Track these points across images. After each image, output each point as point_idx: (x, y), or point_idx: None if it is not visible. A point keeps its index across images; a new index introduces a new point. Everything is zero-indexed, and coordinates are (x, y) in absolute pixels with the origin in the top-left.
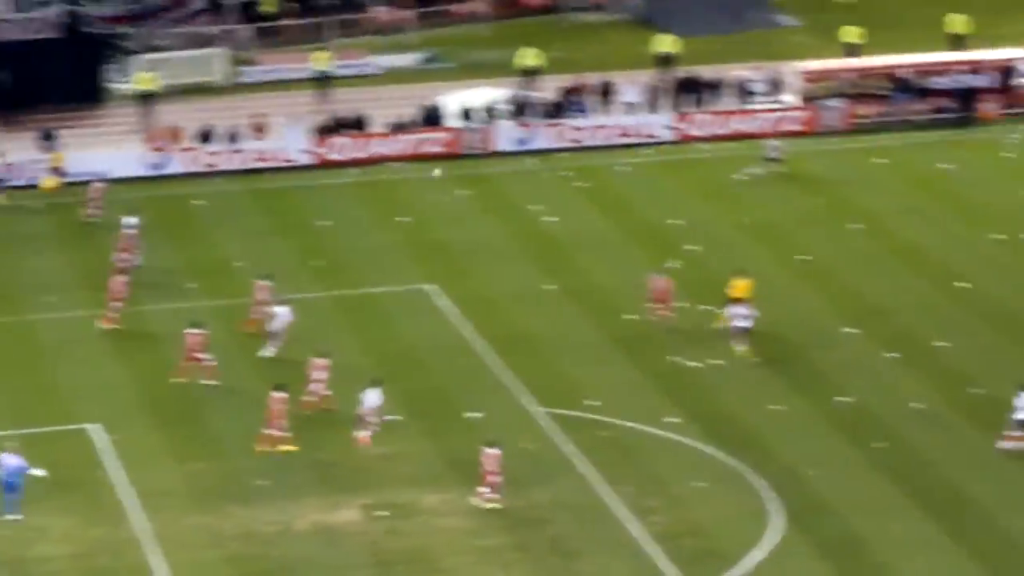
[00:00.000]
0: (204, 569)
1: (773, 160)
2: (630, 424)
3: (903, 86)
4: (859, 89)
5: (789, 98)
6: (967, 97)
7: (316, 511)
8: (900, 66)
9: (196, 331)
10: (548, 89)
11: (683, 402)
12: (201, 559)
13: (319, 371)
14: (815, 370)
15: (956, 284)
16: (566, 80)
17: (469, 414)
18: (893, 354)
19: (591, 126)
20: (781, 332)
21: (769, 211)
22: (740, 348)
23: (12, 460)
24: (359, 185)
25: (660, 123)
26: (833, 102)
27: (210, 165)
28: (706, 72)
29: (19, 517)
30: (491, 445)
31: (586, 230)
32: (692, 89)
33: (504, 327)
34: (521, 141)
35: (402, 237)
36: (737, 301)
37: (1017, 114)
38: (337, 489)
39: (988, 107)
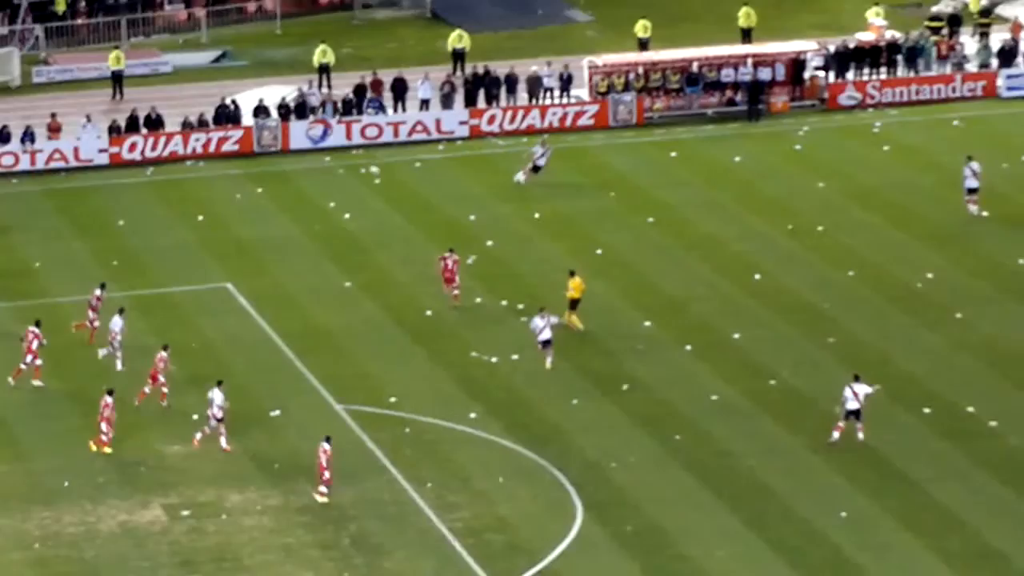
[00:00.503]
0: (9, 571)
1: (537, 169)
2: (432, 420)
3: (693, 79)
4: (650, 83)
5: (581, 93)
6: (757, 90)
7: (120, 511)
8: (690, 59)
9: (36, 330)
10: (342, 86)
11: (484, 397)
12: (5, 561)
13: (161, 362)
14: (614, 363)
15: (752, 276)
16: (360, 77)
17: (272, 412)
18: (690, 346)
19: (385, 123)
20: (589, 328)
21: (564, 206)
22: (549, 360)
23: None
24: (155, 184)
25: (454, 119)
26: (624, 96)
27: (6, 166)
28: (499, 67)
29: None
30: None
31: (383, 227)
32: (485, 85)
33: (303, 324)
34: (315, 138)
35: (199, 235)
36: (576, 302)
37: (806, 107)
38: (141, 489)
39: (778, 100)
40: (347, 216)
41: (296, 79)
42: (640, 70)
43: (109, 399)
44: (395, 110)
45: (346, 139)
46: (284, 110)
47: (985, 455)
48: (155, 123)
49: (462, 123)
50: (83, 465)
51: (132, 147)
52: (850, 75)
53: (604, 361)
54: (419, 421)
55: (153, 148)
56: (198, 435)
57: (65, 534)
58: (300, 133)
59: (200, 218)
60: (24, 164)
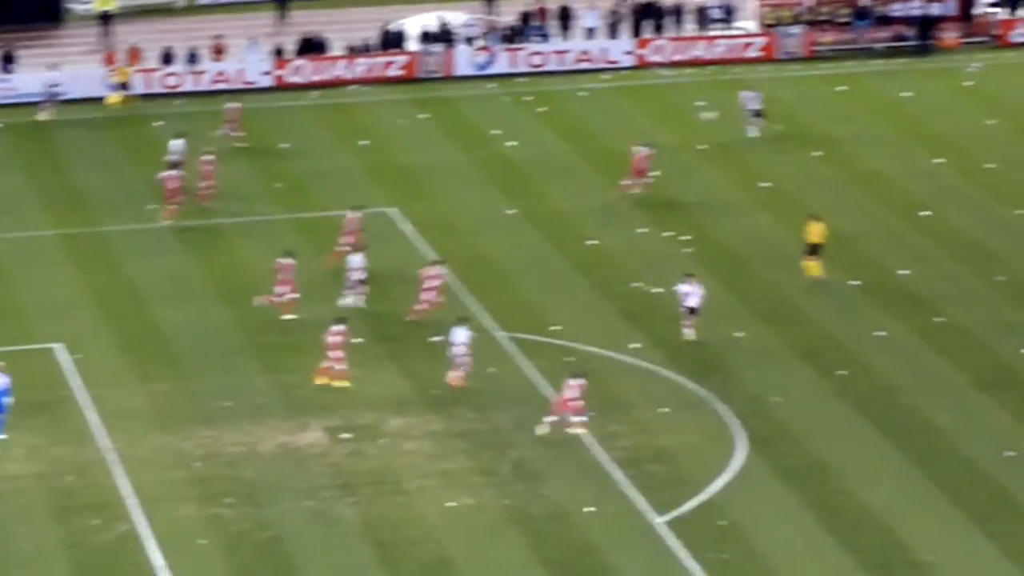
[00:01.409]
0: (169, 489)
1: (756, 113)
2: (593, 349)
3: (863, 13)
4: (818, 16)
5: (749, 25)
6: (927, 25)
7: (281, 433)
8: None
9: (287, 260)
10: (508, 13)
11: (646, 328)
12: (166, 479)
13: (431, 279)
14: (779, 296)
15: (919, 213)
16: (526, 4)
17: (433, 338)
18: (856, 281)
19: (551, 51)
20: (740, 257)
21: (729, 138)
22: (687, 332)
23: (1, 379)
24: (319, 108)
25: (620, 48)
26: (793, 29)
27: (170, 86)
28: None
29: (4, 437)
30: (576, 376)
31: (546, 155)
32: (652, 15)
33: (466, 251)
34: (481, 65)
35: (362, 160)
36: (816, 247)
37: (977, 43)
38: (301, 411)
39: (948, 35)
40: (510, 144)
41: (463, 5)
42: (809, 3)
43: (340, 327)
44: (561, 38)
45: (511, 66)
46: (448, 36)
47: None
48: (319, 47)
49: (627, 53)
50: (244, 386)
51: (296, 71)
52: (1022, 12)
53: (768, 293)
54: (580, 350)
55: (317, 72)
56: (457, 373)
57: (225, 454)
58: (465, 59)
59: (363, 143)
60: (188, 85)
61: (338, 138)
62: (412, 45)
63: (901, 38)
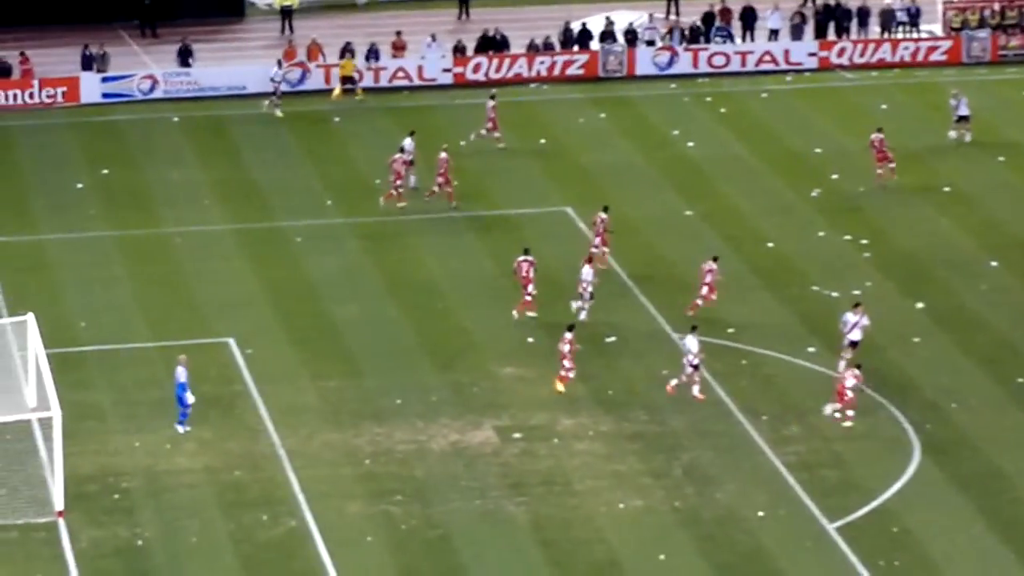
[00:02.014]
0: (339, 485)
1: (964, 119)
2: (769, 353)
3: None
4: (1005, 20)
5: (934, 28)
6: None
7: (451, 431)
8: None
9: (527, 259)
10: (691, 14)
11: (823, 332)
12: (335, 475)
13: (708, 274)
14: (958, 303)
15: None
16: (709, 5)
17: (607, 338)
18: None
19: (733, 52)
20: (920, 262)
21: (912, 141)
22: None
23: (184, 373)
24: (500, 106)
25: (803, 50)
26: (979, 32)
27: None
28: (851, 0)
29: (186, 429)
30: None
31: (726, 156)
32: (836, 17)
33: (643, 251)
34: (662, 65)
35: (541, 159)
36: None
37: None
38: (472, 410)
39: None
40: (690, 144)
41: (645, 5)
42: (996, 6)
43: (569, 335)
44: (743, 39)
45: (692, 67)
46: (631, 35)
47: None
48: (500, 44)
49: (811, 55)
50: (416, 384)
51: (476, 68)
52: None
53: (946, 300)
54: (756, 353)
55: (497, 70)
56: (673, 382)
57: (396, 451)
58: (646, 59)
59: (542, 141)
60: (368, 81)
61: (516, 136)
62: (593, 44)
63: None
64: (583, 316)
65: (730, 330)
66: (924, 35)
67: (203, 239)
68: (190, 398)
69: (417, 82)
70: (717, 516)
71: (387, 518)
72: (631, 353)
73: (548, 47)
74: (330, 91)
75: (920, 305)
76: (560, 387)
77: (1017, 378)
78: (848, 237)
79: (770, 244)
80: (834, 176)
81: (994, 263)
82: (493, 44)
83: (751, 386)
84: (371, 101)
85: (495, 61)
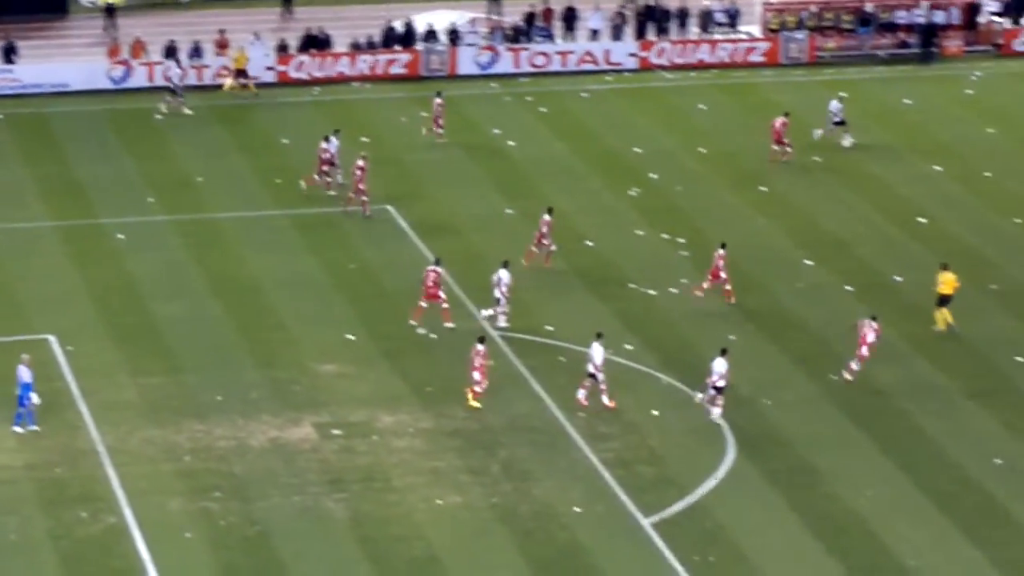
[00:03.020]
0: (158, 482)
1: (839, 124)
2: (587, 350)
3: (866, 20)
4: (822, 22)
5: (752, 29)
6: (930, 33)
7: (271, 428)
8: (864, 0)
9: (436, 268)
10: (513, 13)
11: (640, 330)
12: (155, 472)
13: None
14: (772, 300)
15: (916, 219)
16: (530, 5)
17: (428, 335)
18: (851, 287)
19: (554, 52)
20: (741, 262)
21: (729, 143)
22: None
23: (28, 373)
24: (320, 104)
25: (623, 50)
26: (796, 34)
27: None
28: (670, 1)
29: (28, 429)
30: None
31: (547, 155)
32: (656, 17)
33: (464, 249)
34: (484, 64)
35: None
36: (946, 298)
37: (980, 51)
38: (292, 407)
39: (951, 43)
40: (512, 143)
41: (467, 4)
42: (813, 8)
43: (481, 347)
44: (564, 39)
45: (514, 67)
46: (453, 35)
47: None
48: (323, 43)
49: (631, 55)
50: (236, 381)
51: (300, 66)
52: None
53: (762, 299)
54: (574, 350)
55: (320, 68)
56: (581, 393)
57: (216, 448)
58: (468, 58)
59: (364, 140)
60: (191, 79)
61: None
62: (416, 43)
63: (904, 45)
64: (502, 323)
65: (548, 327)
66: (743, 36)
67: (25, 236)
68: (35, 399)
69: (242, 80)
70: (534, 512)
71: (206, 514)
72: (450, 350)
73: (371, 46)
74: (157, 88)
75: (737, 304)
76: (474, 403)
77: (830, 375)
78: (666, 236)
79: (589, 242)
80: (653, 176)
81: (809, 262)
82: (316, 43)
83: (569, 383)
84: (196, 100)
85: (318, 60)
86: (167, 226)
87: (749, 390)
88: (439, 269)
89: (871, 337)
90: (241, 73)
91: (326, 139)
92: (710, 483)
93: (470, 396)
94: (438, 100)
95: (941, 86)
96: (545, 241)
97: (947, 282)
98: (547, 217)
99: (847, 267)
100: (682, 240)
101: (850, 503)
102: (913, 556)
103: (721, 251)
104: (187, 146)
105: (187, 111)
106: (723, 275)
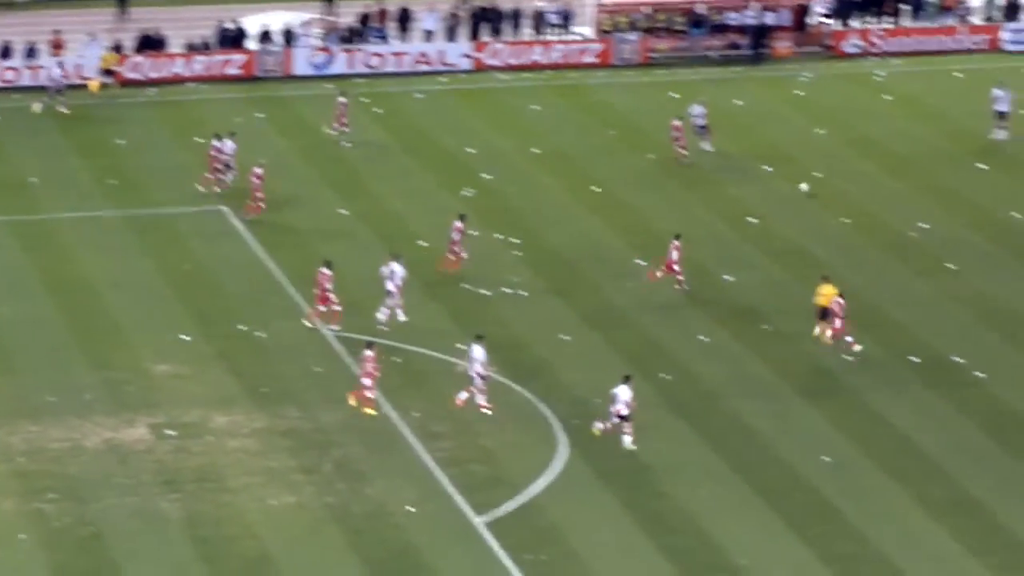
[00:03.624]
0: None
1: (703, 128)
2: (421, 350)
3: (698, 21)
4: (655, 23)
5: (585, 31)
6: (761, 34)
7: (105, 429)
8: (695, 1)
9: (327, 271)
10: (347, 14)
11: (474, 329)
12: None
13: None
14: (606, 300)
15: (747, 219)
16: (365, 6)
17: (260, 335)
18: (681, 288)
19: (389, 52)
20: (574, 261)
21: (563, 142)
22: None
23: None
24: (156, 105)
25: (457, 51)
26: (629, 36)
27: (7, 81)
28: (504, 1)
29: None
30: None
31: (381, 156)
32: (490, 19)
33: (299, 250)
34: (319, 65)
35: (198, 158)
36: (826, 310)
37: (809, 53)
38: (127, 408)
39: (781, 45)
40: (347, 144)
41: (302, 5)
42: (645, 10)
43: (370, 353)
44: (399, 40)
45: (349, 68)
46: (288, 36)
47: (971, 405)
48: (158, 44)
49: (465, 56)
50: (70, 382)
51: (135, 67)
52: (855, 23)
53: (595, 297)
54: (407, 350)
55: (155, 69)
56: (462, 395)
57: (50, 449)
58: (303, 59)
59: (199, 140)
60: (26, 79)
61: (175, 135)
62: (251, 44)
63: (735, 47)
64: (401, 317)
65: (382, 327)
66: (575, 37)
67: None
68: None
69: (76, 80)
70: (367, 511)
71: (40, 516)
72: (284, 351)
73: (206, 47)
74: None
75: (567, 304)
76: (369, 410)
77: (661, 374)
78: (499, 236)
79: (423, 242)
80: (486, 176)
81: (641, 261)
82: (152, 43)
83: (402, 383)
84: (30, 100)
85: (154, 60)
86: (0, 227)
87: (582, 390)
88: (327, 271)
89: (836, 308)
90: (109, 73)
91: (218, 138)
92: (542, 482)
93: (353, 399)
94: (341, 99)
95: (771, 87)
96: (456, 248)
97: (826, 294)
98: (459, 224)
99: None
100: (516, 240)
101: (682, 502)
102: (744, 554)
103: (676, 242)
104: (21, 147)
105: (64, 110)
106: (676, 267)
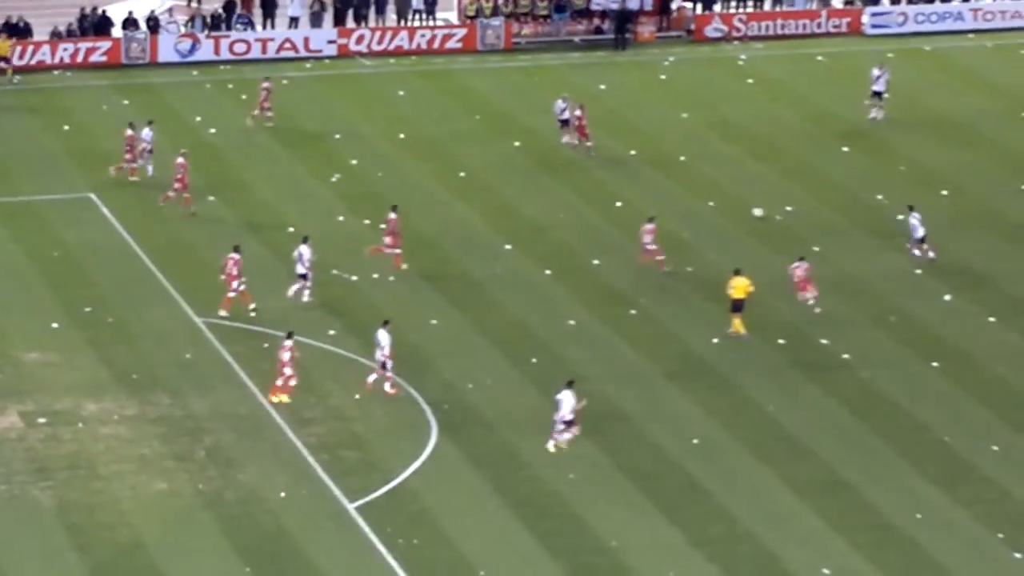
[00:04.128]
0: None
1: (565, 122)
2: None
3: (561, 6)
4: (518, 8)
5: (450, 16)
6: (624, 19)
7: None
8: None
9: (236, 256)
10: (213, 1)
11: (343, 315)
12: None
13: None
14: (475, 285)
15: (614, 204)
16: None
17: (131, 323)
18: (550, 271)
19: (254, 39)
20: (441, 246)
21: (428, 128)
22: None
23: None
24: (21, 92)
25: (322, 37)
26: (493, 21)
27: None
28: None
29: None
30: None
31: (247, 143)
32: (354, 5)
33: (165, 237)
34: (184, 52)
35: (65, 145)
36: (740, 303)
37: (673, 37)
38: None
39: (644, 29)
40: (212, 131)
41: None
42: None
43: (289, 343)
44: (264, 27)
45: (214, 54)
46: (153, 23)
47: (836, 387)
48: (22, 31)
49: (330, 42)
50: None
51: None
52: (717, 7)
53: (464, 283)
54: (278, 336)
55: (20, 56)
56: (370, 378)
57: None
58: (168, 46)
59: (66, 128)
60: None
61: (41, 123)
62: (116, 31)
63: (599, 31)
64: (306, 297)
65: (252, 313)
66: (440, 23)
67: None
68: None
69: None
70: (240, 498)
71: None
72: (154, 337)
73: (71, 34)
74: None
75: (435, 288)
76: (284, 397)
77: (531, 358)
78: (367, 221)
79: (291, 229)
80: (353, 161)
81: (508, 246)
82: (16, 31)
83: (273, 369)
84: None
85: (19, 48)
86: None
87: (451, 374)
88: (237, 256)
89: (801, 273)
90: (2, 59)
91: (131, 126)
92: (414, 467)
93: (280, 394)
94: (265, 84)
95: (635, 72)
96: (388, 240)
97: (739, 287)
98: (392, 215)
99: (545, 251)
100: (383, 226)
101: (552, 485)
102: (614, 536)
103: (649, 225)
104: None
105: None
106: (653, 247)
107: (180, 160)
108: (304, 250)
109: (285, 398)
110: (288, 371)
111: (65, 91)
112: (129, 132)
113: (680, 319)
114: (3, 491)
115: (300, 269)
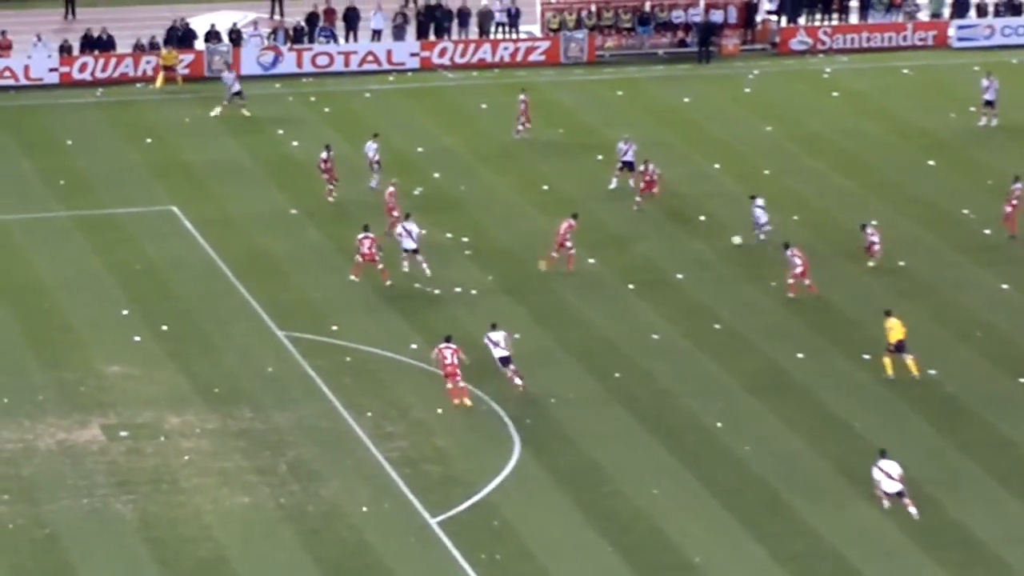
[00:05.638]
0: None
1: (628, 165)
2: (373, 350)
3: (645, 19)
4: (602, 21)
5: (533, 29)
6: (708, 32)
7: (58, 430)
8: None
9: (369, 235)
10: (294, 13)
11: (425, 329)
12: None
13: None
14: (557, 299)
15: (698, 217)
16: (313, 5)
17: (213, 336)
18: (633, 285)
19: (337, 52)
20: (519, 259)
21: (512, 141)
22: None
23: None
24: (104, 105)
25: (405, 50)
26: (576, 33)
27: None
28: (451, 0)
29: None
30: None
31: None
32: (437, 17)
33: (248, 249)
34: (266, 65)
35: (147, 157)
36: (902, 343)
37: (757, 50)
38: (80, 408)
39: (728, 42)
40: (295, 143)
41: (250, 4)
42: (592, 8)
43: (449, 345)
44: (347, 40)
45: (297, 67)
46: (235, 35)
47: (922, 403)
48: (106, 44)
49: (413, 55)
50: (22, 383)
51: (83, 67)
52: (802, 20)
53: (547, 297)
54: (360, 350)
55: (104, 69)
56: (510, 376)
57: (3, 451)
58: (251, 59)
59: (148, 140)
60: None
61: (122, 136)
62: (199, 44)
63: (683, 44)
64: (426, 269)
65: (334, 327)
66: (523, 36)
67: None
68: None
69: (24, 81)
70: (322, 512)
71: None
72: (236, 350)
73: (154, 47)
74: None
75: (517, 301)
76: (466, 401)
77: (614, 373)
78: (449, 234)
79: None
80: (436, 175)
81: (591, 260)
82: (99, 44)
83: (355, 383)
84: None
85: (101, 60)
86: None
87: (534, 389)
88: (372, 235)
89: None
90: (168, 69)
91: (328, 148)
92: (496, 481)
93: (463, 397)
94: (522, 96)
95: (719, 85)
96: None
97: (895, 327)
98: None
99: (630, 264)
100: (466, 239)
101: (635, 500)
102: (697, 552)
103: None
104: None
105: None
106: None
107: (391, 189)
108: (410, 226)
109: (467, 401)
110: (458, 373)
111: (148, 103)
112: (324, 155)
113: (763, 333)
114: (85, 504)
115: (410, 244)
